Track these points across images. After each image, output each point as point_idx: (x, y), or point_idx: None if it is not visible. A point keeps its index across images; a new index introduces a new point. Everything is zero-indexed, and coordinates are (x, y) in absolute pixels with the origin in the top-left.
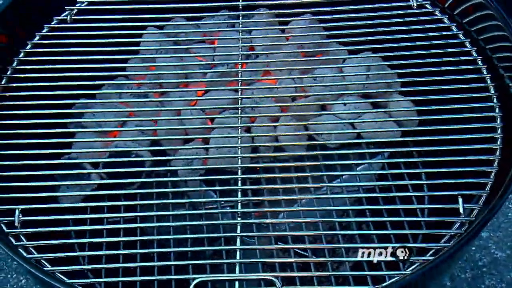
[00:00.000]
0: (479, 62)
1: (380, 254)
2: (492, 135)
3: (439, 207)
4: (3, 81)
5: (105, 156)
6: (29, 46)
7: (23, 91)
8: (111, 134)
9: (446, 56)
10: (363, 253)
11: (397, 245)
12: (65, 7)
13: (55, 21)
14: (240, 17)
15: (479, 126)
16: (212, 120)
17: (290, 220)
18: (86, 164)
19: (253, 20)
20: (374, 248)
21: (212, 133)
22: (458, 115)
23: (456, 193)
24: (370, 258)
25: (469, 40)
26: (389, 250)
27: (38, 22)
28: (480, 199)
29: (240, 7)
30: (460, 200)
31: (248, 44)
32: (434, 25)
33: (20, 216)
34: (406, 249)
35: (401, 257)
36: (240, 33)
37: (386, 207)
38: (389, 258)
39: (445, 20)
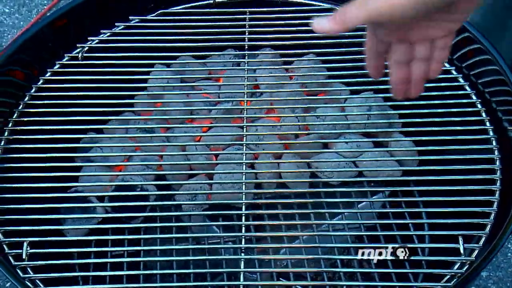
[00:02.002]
0: (478, 105)
1: (380, 254)
2: (491, 176)
3: (440, 247)
4: (15, 116)
5: (111, 190)
6: (40, 81)
7: (33, 125)
8: (117, 168)
9: (446, 98)
10: (363, 252)
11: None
12: (77, 45)
13: (66, 58)
14: (246, 56)
15: (478, 167)
16: (216, 155)
17: (292, 256)
18: (92, 197)
19: (258, 60)
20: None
21: (216, 168)
22: (458, 156)
23: (456, 233)
24: (370, 257)
25: (468, 83)
26: (389, 250)
27: (51, 59)
28: (481, 239)
29: (246, 47)
30: (461, 240)
31: (253, 83)
32: None
33: (28, 249)
34: (406, 249)
35: (401, 257)
36: (246, 72)
37: (387, 245)
38: (389, 258)
39: (445, 64)
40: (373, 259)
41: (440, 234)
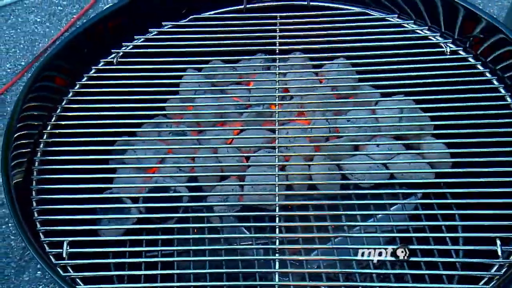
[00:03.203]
0: None
1: (380, 254)
2: None
3: (474, 249)
4: (53, 119)
5: (144, 191)
6: (77, 86)
7: (70, 128)
8: (150, 170)
9: (479, 100)
10: (363, 252)
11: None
12: (112, 50)
13: (101, 63)
14: (277, 60)
15: None
16: (247, 158)
17: (325, 257)
18: (126, 199)
19: (289, 63)
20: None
21: (248, 170)
22: (493, 158)
23: (493, 235)
24: (370, 258)
25: (502, 85)
26: (389, 250)
27: (87, 64)
28: None
29: (277, 51)
30: (498, 242)
31: (283, 86)
32: (467, 71)
33: (68, 248)
34: (406, 249)
35: (401, 257)
36: (277, 75)
37: (420, 247)
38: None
39: (479, 66)
40: (373, 259)
41: (475, 236)
